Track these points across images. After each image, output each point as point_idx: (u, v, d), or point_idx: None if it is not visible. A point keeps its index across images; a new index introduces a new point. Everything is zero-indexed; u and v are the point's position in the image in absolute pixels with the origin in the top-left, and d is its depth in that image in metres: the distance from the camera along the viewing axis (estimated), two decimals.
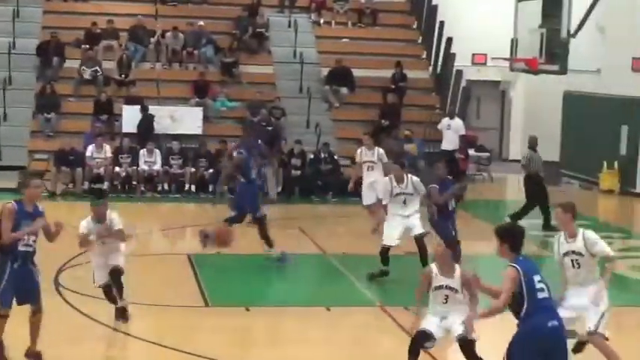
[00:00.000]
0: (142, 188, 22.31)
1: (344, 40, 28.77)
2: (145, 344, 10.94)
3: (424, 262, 13.53)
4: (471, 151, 26.51)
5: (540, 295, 8.19)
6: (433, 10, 28.65)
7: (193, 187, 22.51)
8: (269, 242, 15.29)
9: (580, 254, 10.08)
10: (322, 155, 23.28)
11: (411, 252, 14.35)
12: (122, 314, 11.58)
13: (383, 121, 25.76)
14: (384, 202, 14.60)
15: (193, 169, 22.72)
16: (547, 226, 19.08)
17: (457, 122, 25.25)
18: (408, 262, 14.29)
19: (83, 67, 25.94)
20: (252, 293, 14.15)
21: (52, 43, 26.17)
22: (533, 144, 20.09)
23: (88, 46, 26.59)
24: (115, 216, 11.56)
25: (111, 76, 25.93)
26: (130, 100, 24.84)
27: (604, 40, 25.26)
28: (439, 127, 25.46)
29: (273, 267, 15.44)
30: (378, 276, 14.24)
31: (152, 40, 27.22)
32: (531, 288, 8.17)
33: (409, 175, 14.44)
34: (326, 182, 22.82)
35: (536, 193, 19.65)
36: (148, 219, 20.51)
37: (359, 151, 18.44)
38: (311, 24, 29.00)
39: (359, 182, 18.47)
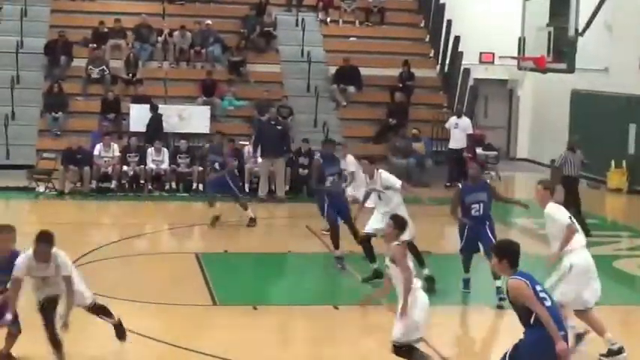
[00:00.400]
0: (150, 187, 22.30)
1: (351, 38, 28.79)
2: (153, 342, 10.94)
3: (419, 262, 13.44)
4: (479, 150, 26.48)
5: (546, 304, 8.17)
6: (441, 8, 28.63)
7: (201, 186, 22.49)
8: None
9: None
10: None
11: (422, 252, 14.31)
12: (118, 333, 10.68)
13: (390, 119, 25.77)
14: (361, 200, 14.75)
15: (201, 168, 22.71)
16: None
17: (465, 121, 25.22)
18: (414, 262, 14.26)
19: (91, 66, 25.99)
20: (259, 292, 14.15)
21: (59, 42, 26.21)
22: (572, 144, 19.13)
23: (95, 45, 26.63)
24: (62, 259, 9.72)
25: (118, 75, 25.98)
26: (138, 99, 24.87)
27: (612, 38, 25.21)
28: (447, 125, 25.44)
29: (280, 265, 15.43)
30: (371, 278, 13.99)
31: (159, 39, 27.27)
32: (538, 299, 8.13)
33: (379, 171, 14.27)
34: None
35: (567, 197, 18.50)
36: (156, 218, 20.53)
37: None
38: (318, 23, 29.03)
39: None
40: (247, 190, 21.74)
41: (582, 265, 11.10)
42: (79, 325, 10.22)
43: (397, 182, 14.08)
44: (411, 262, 9.72)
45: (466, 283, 13.61)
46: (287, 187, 22.21)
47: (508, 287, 8.20)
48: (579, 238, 11.19)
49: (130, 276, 14.32)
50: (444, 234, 17.77)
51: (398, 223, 9.98)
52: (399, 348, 9.54)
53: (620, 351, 10.93)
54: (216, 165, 18.78)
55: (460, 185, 14.43)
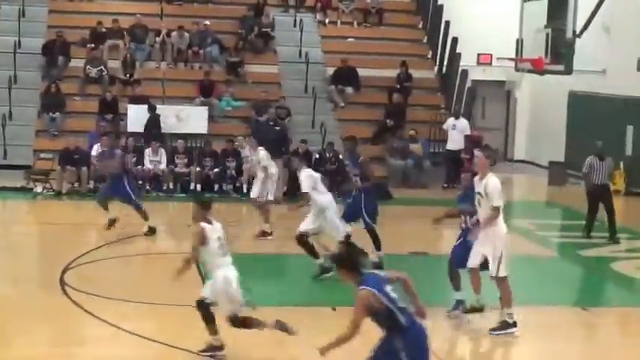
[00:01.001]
0: (148, 187, 22.30)
1: (349, 39, 28.80)
2: (149, 342, 10.92)
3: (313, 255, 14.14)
4: (476, 151, 26.42)
5: (401, 305, 7.96)
6: (439, 9, 28.65)
7: (199, 187, 22.49)
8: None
9: (481, 195, 11.82)
10: (327, 155, 23.25)
11: (414, 252, 14.31)
12: None
13: (388, 120, 25.79)
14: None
15: (199, 169, 22.72)
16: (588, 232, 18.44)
17: (462, 122, 25.23)
18: (411, 263, 14.26)
19: (88, 67, 25.99)
20: (258, 293, 14.07)
21: (57, 43, 26.22)
22: (599, 151, 18.42)
23: (93, 45, 26.64)
24: None
25: (116, 75, 25.97)
26: (136, 100, 24.86)
27: (609, 40, 25.23)
28: (444, 127, 25.45)
29: (276, 266, 15.39)
30: (320, 274, 14.09)
31: (157, 39, 27.28)
32: (391, 300, 7.90)
33: (301, 170, 14.59)
34: (331, 182, 22.74)
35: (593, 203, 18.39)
36: (154, 218, 20.42)
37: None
38: (316, 23, 29.04)
39: None
40: (245, 190, 21.72)
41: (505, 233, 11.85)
42: (74, 326, 10.24)
43: (304, 188, 14.36)
44: None
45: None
46: (284, 189, 22.18)
47: (358, 298, 7.91)
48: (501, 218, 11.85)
49: (127, 276, 14.29)
50: (440, 235, 17.73)
51: None
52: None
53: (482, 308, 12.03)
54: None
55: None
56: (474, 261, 11.92)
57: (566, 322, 13.14)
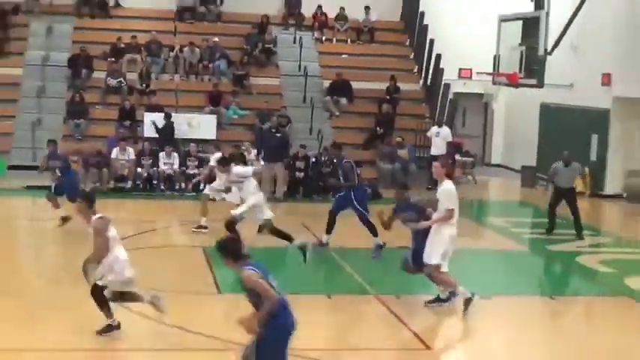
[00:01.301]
0: (162, 187, 22.37)
1: (343, 55, 28.86)
2: (163, 326, 10.96)
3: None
4: (457, 156, 26.55)
5: (278, 292, 7.91)
6: (424, 29, 28.72)
7: (207, 187, 22.49)
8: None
9: (437, 200, 12.03)
10: (323, 159, 23.31)
11: (403, 246, 14.36)
12: None
13: (378, 128, 25.85)
14: None
15: (207, 171, 22.72)
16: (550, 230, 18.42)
17: (445, 130, 25.29)
18: (399, 256, 14.30)
19: (109, 78, 26.03)
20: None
21: (81, 57, 26.27)
22: (565, 158, 18.34)
23: (113, 59, 26.69)
24: None
25: (134, 86, 26.02)
26: (151, 108, 24.92)
27: (577, 57, 25.28)
28: (428, 134, 25.50)
29: (278, 258, 15.48)
30: (304, 255, 14.41)
31: (171, 54, 27.33)
32: (270, 285, 7.86)
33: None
34: (326, 183, 22.84)
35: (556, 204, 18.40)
36: (167, 215, 20.55)
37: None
38: (314, 41, 29.09)
39: None
40: None
41: (454, 236, 12.05)
42: (94, 310, 10.28)
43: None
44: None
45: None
46: (285, 189, 22.26)
47: (242, 279, 7.83)
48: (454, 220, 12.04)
49: (143, 267, 14.24)
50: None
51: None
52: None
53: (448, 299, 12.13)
54: (57, 171, 17.81)
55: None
56: (436, 259, 11.98)
57: (535, 310, 13.24)
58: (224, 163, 15.80)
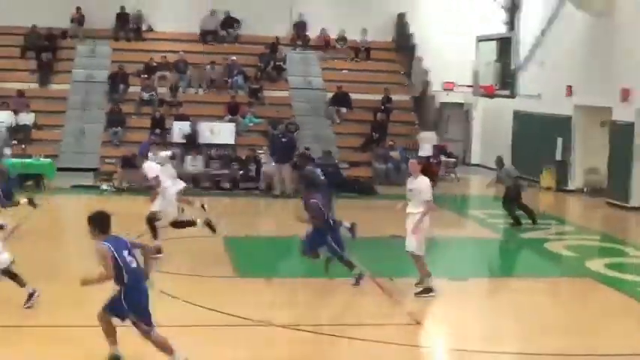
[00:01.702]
0: (189, 186, 22.34)
1: (344, 71, 28.84)
2: (189, 305, 10.98)
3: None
4: (442, 157, 26.53)
5: (133, 265, 7.99)
6: (413, 48, 28.71)
7: (228, 185, 22.58)
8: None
9: (411, 191, 11.69)
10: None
11: (394, 235, 14.33)
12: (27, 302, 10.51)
13: (374, 134, 25.82)
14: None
15: (228, 171, 22.81)
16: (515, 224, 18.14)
17: (431, 135, 25.30)
18: (391, 244, 14.31)
19: (143, 92, 26.06)
20: (272, 267, 14.21)
21: (119, 74, 26.30)
22: (497, 161, 18.57)
23: (146, 75, 26.71)
24: None
25: (164, 99, 26.04)
26: (179, 117, 24.92)
27: (544, 72, 25.26)
28: (417, 138, 25.50)
29: (288, 246, 15.50)
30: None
31: (196, 71, 27.34)
32: (123, 260, 7.95)
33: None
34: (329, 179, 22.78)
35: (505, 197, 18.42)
36: (192, 210, 20.54)
37: None
38: (318, 59, 29.06)
39: None
40: (263, 187, 21.85)
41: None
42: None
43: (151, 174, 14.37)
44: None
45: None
46: (293, 186, 22.26)
47: (95, 250, 7.95)
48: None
49: (171, 254, 14.37)
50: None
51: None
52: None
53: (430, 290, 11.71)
54: None
55: None
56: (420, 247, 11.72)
57: (508, 289, 13.24)
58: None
